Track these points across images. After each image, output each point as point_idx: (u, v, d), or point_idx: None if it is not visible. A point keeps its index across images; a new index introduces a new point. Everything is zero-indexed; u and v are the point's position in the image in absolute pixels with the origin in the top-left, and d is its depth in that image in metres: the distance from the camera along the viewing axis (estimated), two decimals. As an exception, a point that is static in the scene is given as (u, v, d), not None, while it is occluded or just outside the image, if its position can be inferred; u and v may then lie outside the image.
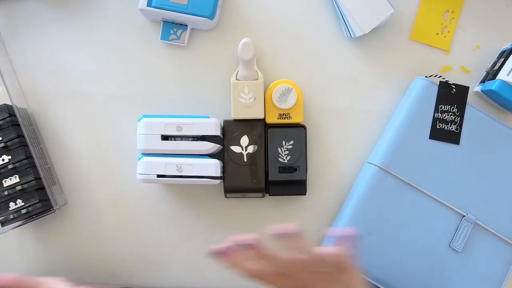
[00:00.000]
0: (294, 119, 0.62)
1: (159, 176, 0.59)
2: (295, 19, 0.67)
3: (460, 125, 0.62)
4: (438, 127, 0.62)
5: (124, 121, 0.66)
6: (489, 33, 0.67)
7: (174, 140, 0.60)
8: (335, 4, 0.65)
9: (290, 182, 0.62)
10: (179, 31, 0.65)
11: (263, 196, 0.64)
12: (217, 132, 0.60)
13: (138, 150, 0.60)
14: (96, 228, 0.65)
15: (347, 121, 0.66)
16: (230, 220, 0.65)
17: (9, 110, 0.62)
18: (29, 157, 0.61)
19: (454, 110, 0.62)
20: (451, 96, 0.63)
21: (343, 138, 0.66)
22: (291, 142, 0.62)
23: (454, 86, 0.63)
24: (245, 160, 0.61)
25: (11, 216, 0.61)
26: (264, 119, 0.62)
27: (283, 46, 0.66)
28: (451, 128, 0.62)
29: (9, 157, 0.61)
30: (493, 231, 0.61)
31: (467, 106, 0.63)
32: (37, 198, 0.61)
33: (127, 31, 0.66)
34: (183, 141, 0.60)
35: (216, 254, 0.49)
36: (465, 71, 0.66)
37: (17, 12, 0.67)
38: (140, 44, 0.66)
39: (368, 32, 0.64)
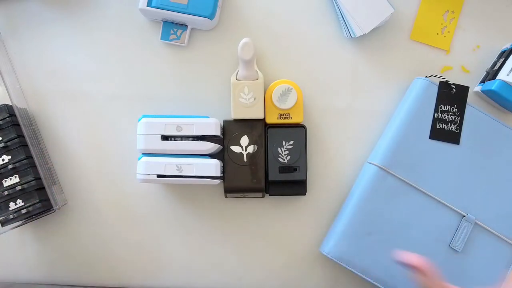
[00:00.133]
0: (294, 119, 0.62)
1: (159, 176, 0.59)
2: (295, 19, 0.67)
3: (460, 125, 0.62)
4: (438, 127, 0.62)
5: (124, 121, 0.66)
6: (489, 33, 0.67)
7: (174, 140, 0.60)
8: (335, 4, 0.65)
9: (290, 182, 0.62)
10: (179, 31, 0.65)
11: (263, 196, 0.64)
12: (217, 132, 0.60)
13: (138, 150, 0.60)
14: (96, 228, 0.65)
15: (347, 121, 0.66)
16: (230, 220, 0.65)
17: (9, 110, 0.62)
18: (29, 157, 0.61)
19: (454, 110, 0.62)
20: (451, 96, 0.63)
21: (343, 138, 0.66)
22: (291, 142, 0.62)
23: (454, 86, 0.63)
24: (245, 160, 0.61)
25: (11, 216, 0.60)
26: (264, 119, 0.62)
27: (283, 46, 0.66)
28: (451, 128, 0.62)
29: (9, 157, 0.61)
30: (493, 231, 0.61)
31: (467, 106, 0.63)
32: (37, 198, 0.61)
33: (127, 31, 0.66)
34: (183, 141, 0.60)
35: (404, 263, 0.51)
36: (465, 71, 0.67)
37: (17, 12, 0.67)
38: (140, 44, 0.66)
39: (368, 32, 0.64)
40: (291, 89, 0.61)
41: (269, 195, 0.63)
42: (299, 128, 0.62)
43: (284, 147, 0.62)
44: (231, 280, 0.65)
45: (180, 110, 0.66)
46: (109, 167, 0.65)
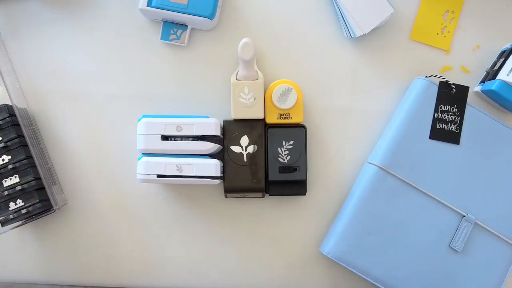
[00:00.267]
0: (294, 119, 0.62)
1: (159, 176, 0.59)
2: (295, 19, 0.67)
3: (460, 125, 0.62)
4: (438, 127, 0.62)
5: (124, 121, 0.66)
6: (489, 33, 0.67)
7: (174, 140, 0.60)
8: (335, 4, 0.65)
9: (290, 182, 0.62)
10: (179, 31, 0.65)
11: (263, 196, 0.64)
12: (217, 132, 0.60)
13: (138, 150, 0.60)
14: (96, 228, 0.65)
15: (347, 121, 0.66)
16: (230, 220, 0.65)
17: (9, 110, 0.62)
18: (29, 157, 0.61)
19: (454, 110, 0.62)
20: (451, 96, 0.63)
21: (343, 138, 0.66)
22: (291, 142, 0.62)
23: (454, 86, 0.63)
24: (245, 160, 0.61)
25: (11, 216, 0.61)
26: (264, 119, 0.62)
27: (283, 46, 0.66)
28: (451, 128, 0.62)
29: (9, 157, 0.61)
30: (493, 231, 0.61)
31: (467, 106, 0.63)
32: (37, 198, 0.61)
33: (127, 31, 0.66)
34: (183, 141, 0.60)
35: None
36: (465, 71, 0.67)
37: (17, 12, 0.67)
38: (140, 44, 0.66)
39: (368, 32, 0.64)
40: (291, 89, 0.61)
41: (269, 195, 0.63)
42: (299, 128, 0.62)
43: (284, 147, 0.62)
44: (231, 280, 0.65)
45: (180, 110, 0.66)
46: (109, 167, 0.65)
